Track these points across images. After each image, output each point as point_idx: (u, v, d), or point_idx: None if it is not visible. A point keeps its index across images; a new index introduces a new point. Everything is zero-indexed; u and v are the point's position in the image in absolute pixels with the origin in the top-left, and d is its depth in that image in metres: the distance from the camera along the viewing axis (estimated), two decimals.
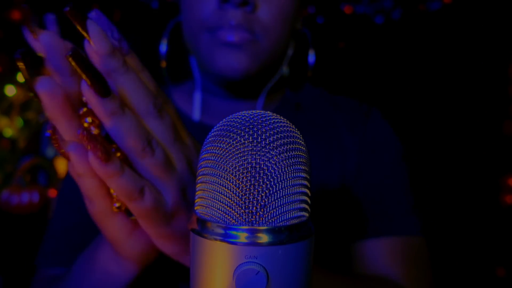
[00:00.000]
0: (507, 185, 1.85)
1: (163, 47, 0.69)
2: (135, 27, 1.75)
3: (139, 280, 0.48)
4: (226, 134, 0.28)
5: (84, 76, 0.32)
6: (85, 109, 0.35)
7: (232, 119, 0.29)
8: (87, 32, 0.33)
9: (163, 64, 0.70)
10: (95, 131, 0.35)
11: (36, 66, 0.33)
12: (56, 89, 0.32)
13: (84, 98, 0.34)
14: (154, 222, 0.38)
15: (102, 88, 0.32)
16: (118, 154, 0.36)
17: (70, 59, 0.31)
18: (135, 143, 0.34)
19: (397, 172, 0.67)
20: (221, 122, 0.30)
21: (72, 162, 0.34)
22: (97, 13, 0.35)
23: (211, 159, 0.28)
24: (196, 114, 0.69)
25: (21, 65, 0.33)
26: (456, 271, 1.77)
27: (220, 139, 0.28)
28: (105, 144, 0.33)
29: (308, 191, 0.30)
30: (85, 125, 0.35)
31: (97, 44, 0.33)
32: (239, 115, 0.30)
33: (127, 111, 0.34)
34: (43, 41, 0.33)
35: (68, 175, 0.69)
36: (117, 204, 0.38)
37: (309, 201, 0.30)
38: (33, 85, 0.32)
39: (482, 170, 1.84)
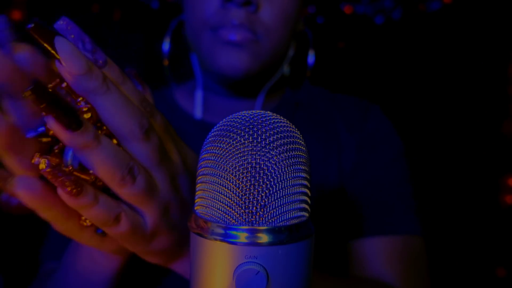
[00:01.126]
0: (507, 185, 1.85)
1: (166, 46, 0.70)
2: (135, 27, 1.75)
3: (127, 271, 0.48)
4: (226, 134, 0.28)
5: (49, 113, 0.27)
6: (50, 132, 0.30)
7: (232, 119, 0.29)
8: (56, 52, 0.28)
9: (166, 62, 0.70)
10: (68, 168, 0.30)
11: None
12: None
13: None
14: (131, 243, 0.36)
15: (72, 122, 0.27)
16: (101, 183, 0.32)
17: (30, 95, 0.26)
18: (113, 174, 0.31)
19: (396, 170, 0.67)
20: (221, 122, 0.30)
21: (23, 200, 0.30)
22: (65, 21, 0.30)
23: (211, 159, 0.29)
24: (198, 113, 0.69)
25: None
26: (456, 271, 1.77)
27: (220, 139, 0.28)
28: (76, 173, 0.30)
29: (308, 191, 0.30)
30: (53, 160, 0.29)
31: (70, 64, 0.28)
32: (239, 115, 0.30)
33: (104, 141, 0.30)
34: None
35: None
36: (86, 223, 0.35)
37: (309, 201, 0.30)
38: None
39: (482, 170, 1.84)
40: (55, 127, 0.27)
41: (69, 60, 0.28)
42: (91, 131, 0.29)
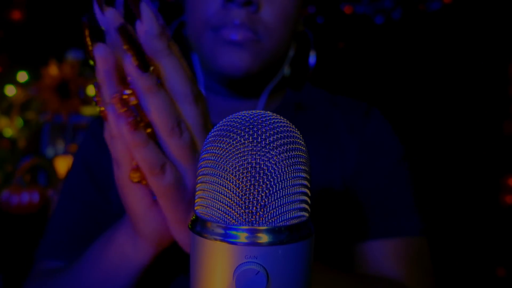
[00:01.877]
0: (507, 185, 1.85)
1: None
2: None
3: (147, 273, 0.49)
4: (226, 134, 0.28)
5: (128, 48, 0.35)
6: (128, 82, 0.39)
7: (232, 119, 0.29)
8: (140, 13, 0.36)
9: None
10: (133, 101, 0.38)
11: (95, 35, 0.38)
12: (109, 56, 0.35)
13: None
14: (172, 203, 0.39)
15: (143, 63, 0.35)
16: (149, 130, 0.38)
17: (119, 31, 0.35)
18: (165, 121, 0.37)
19: (398, 172, 0.67)
20: (221, 122, 0.30)
21: (108, 122, 0.38)
22: (146, 0, 0.38)
23: (211, 159, 0.29)
24: None
25: (85, 29, 0.37)
26: (456, 271, 1.77)
27: (220, 139, 0.28)
28: (137, 115, 0.37)
29: (308, 191, 0.30)
30: (124, 96, 0.37)
31: (148, 25, 0.36)
32: (239, 115, 0.30)
33: (163, 90, 0.37)
34: (108, 16, 0.37)
35: (73, 170, 0.69)
36: (135, 178, 0.40)
37: (309, 201, 0.30)
38: (91, 50, 0.36)
39: (482, 170, 1.84)
40: (130, 64, 0.35)
41: (148, 21, 0.35)
42: (155, 78, 0.36)
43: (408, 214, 0.64)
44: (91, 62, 0.37)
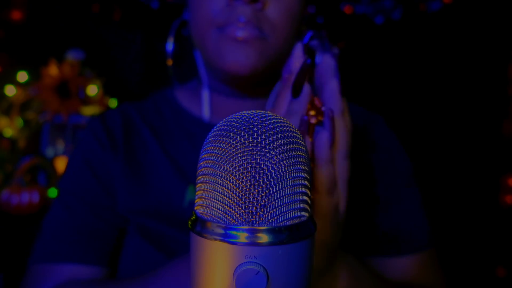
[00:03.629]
0: (507, 185, 1.85)
1: (170, 46, 0.69)
2: (135, 27, 1.75)
3: None
4: (226, 134, 0.28)
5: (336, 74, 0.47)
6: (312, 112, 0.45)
7: (232, 119, 0.29)
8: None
9: (170, 62, 0.70)
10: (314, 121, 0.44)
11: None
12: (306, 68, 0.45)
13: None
14: (329, 224, 0.44)
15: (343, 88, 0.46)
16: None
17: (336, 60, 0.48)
18: (343, 143, 0.44)
19: (411, 187, 0.68)
20: (221, 122, 0.30)
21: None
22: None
23: (211, 159, 0.29)
24: (206, 113, 0.68)
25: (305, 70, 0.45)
26: (456, 271, 1.77)
27: (220, 139, 0.28)
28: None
29: (308, 191, 0.30)
30: (312, 113, 0.44)
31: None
32: (239, 115, 0.30)
33: (347, 118, 0.45)
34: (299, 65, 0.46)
35: (72, 168, 0.68)
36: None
37: (309, 201, 0.30)
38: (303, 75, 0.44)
39: (482, 170, 1.84)
40: (336, 87, 0.46)
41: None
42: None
43: (424, 229, 0.67)
44: (296, 94, 0.44)
